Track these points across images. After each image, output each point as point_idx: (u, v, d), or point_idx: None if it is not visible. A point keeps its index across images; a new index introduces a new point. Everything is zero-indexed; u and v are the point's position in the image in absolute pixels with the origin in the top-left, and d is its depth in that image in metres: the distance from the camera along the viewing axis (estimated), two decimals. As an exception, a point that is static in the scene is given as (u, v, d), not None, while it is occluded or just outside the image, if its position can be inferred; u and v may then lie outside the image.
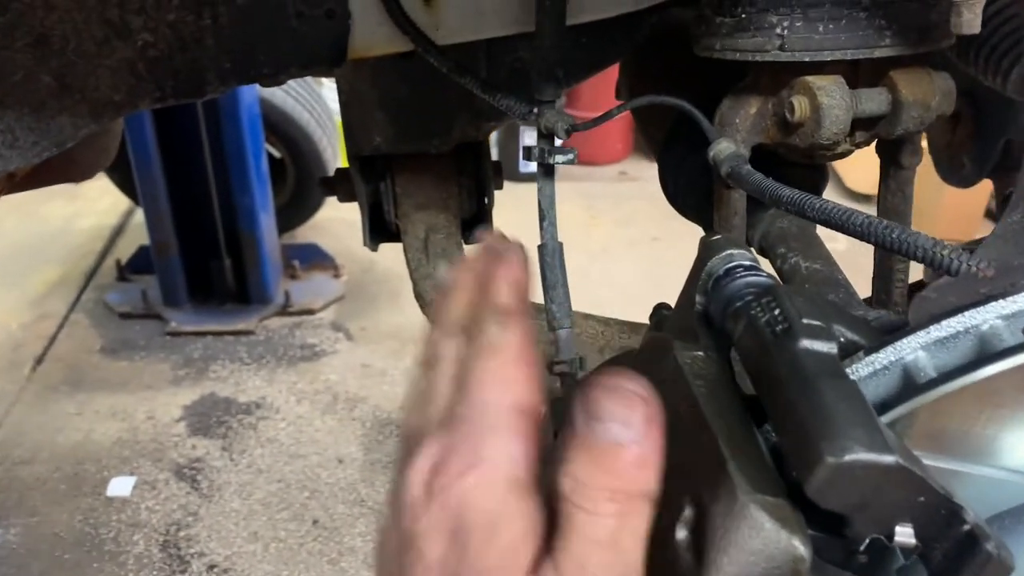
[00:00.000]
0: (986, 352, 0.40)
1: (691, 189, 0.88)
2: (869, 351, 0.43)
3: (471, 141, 0.98)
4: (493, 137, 4.88)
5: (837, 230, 0.54)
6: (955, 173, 1.13)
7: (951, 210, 4.03)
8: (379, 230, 1.07)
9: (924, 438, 0.42)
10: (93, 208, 4.76)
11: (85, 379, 3.46)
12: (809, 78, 0.65)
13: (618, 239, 4.36)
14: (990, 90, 0.85)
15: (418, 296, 1.03)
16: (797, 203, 0.55)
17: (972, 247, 0.91)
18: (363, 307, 3.90)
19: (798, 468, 0.37)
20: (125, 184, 3.90)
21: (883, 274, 0.78)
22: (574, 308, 0.89)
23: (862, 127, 0.68)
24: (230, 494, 2.88)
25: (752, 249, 0.51)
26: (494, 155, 4.81)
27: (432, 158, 0.99)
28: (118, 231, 4.66)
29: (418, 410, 0.44)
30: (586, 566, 0.37)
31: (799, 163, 0.80)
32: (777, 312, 0.43)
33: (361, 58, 0.84)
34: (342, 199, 1.08)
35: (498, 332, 0.42)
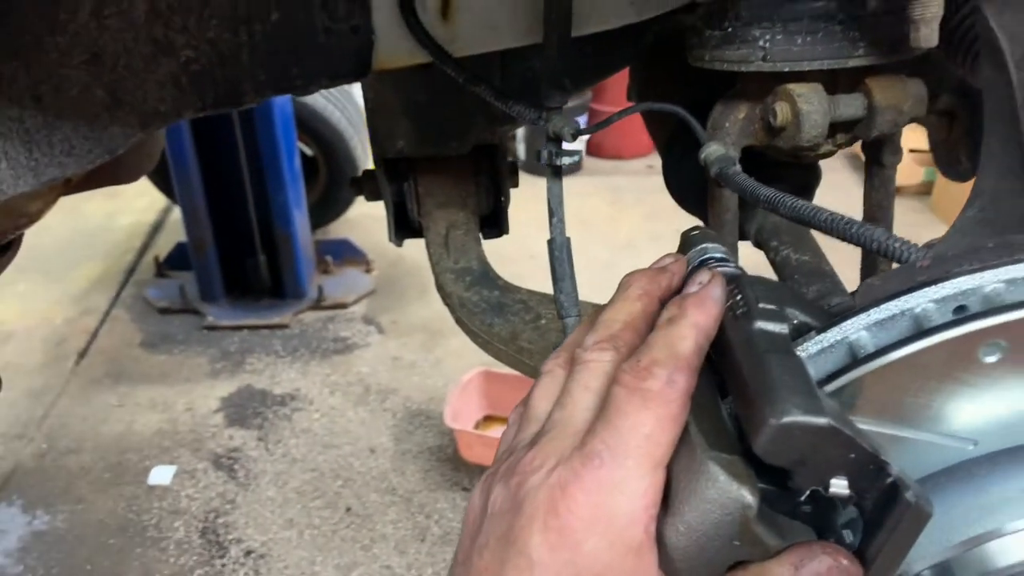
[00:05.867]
0: (918, 331, 0.46)
1: (691, 187, 0.94)
2: (819, 331, 0.49)
3: (487, 144, 1.05)
4: (520, 133, 4.91)
5: (805, 225, 0.60)
6: (953, 168, 1.18)
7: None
8: (403, 227, 1.15)
9: (870, 406, 0.48)
10: (132, 206, 4.89)
11: (126, 372, 3.58)
12: (790, 85, 0.71)
13: (643, 232, 4.41)
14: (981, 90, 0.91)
15: (440, 288, 1.10)
16: (772, 201, 0.61)
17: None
18: (393, 301, 3.99)
19: (748, 430, 0.44)
20: (163, 183, 4.02)
21: (867, 266, 0.84)
22: (601, 299, 0.95)
23: (841, 130, 0.73)
24: (266, 483, 2.98)
25: (723, 241, 0.57)
26: (522, 150, 4.86)
27: (451, 160, 1.06)
28: (156, 228, 4.80)
29: (545, 405, 0.50)
30: None
31: (792, 163, 0.86)
32: (739, 298, 0.49)
33: (384, 69, 0.91)
34: (369, 198, 1.15)
35: (664, 383, 0.45)
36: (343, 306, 3.95)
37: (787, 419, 0.42)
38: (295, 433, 3.21)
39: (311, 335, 3.80)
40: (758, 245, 0.89)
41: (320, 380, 3.51)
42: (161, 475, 3.03)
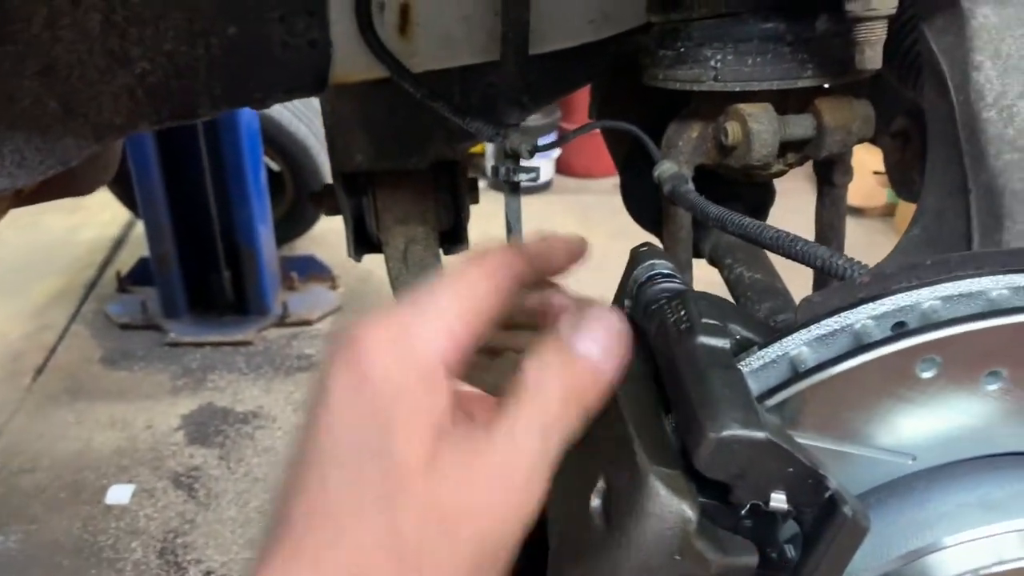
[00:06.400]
0: (857, 346, 0.47)
1: (648, 205, 0.95)
2: (761, 347, 0.49)
3: (447, 159, 1.06)
4: (489, 151, 4.91)
5: (751, 242, 0.61)
6: (907, 188, 1.20)
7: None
8: (363, 242, 1.14)
9: (813, 422, 0.48)
10: (94, 220, 4.82)
11: (85, 389, 3.51)
12: (741, 105, 0.72)
13: (612, 251, 4.38)
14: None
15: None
16: (720, 219, 0.62)
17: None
18: (359, 318, 3.95)
19: (688, 444, 0.44)
20: (126, 196, 3.97)
21: (820, 281, 0.85)
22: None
23: (792, 149, 0.75)
24: (227, 502, 2.93)
25: (670, 258, 0.58)
26: (489, 163, 4.85)
27: (410, 175, 1.06)
28: (119, 243, 4.72)
29: None
30: (514, 431, 0.43)
31: (746, 183, 0.87)
32: (683, 313, 0.50)
33: (342, 84, 0.91)
34: (328, 213, 1.15)
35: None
36: (308, 323, 3.91)
37: (726, 432, 0.42)
38: (257, 452, 3.17)
39: (275, 352, 3.76)
40: (712, 263, 0.90)
41: (284, 398, 3.46)
42: (119, 494, 2.96)
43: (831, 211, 0.82)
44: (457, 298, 0.45)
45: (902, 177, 1.21)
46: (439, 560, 0.41)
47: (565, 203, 5.02)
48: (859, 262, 0.54)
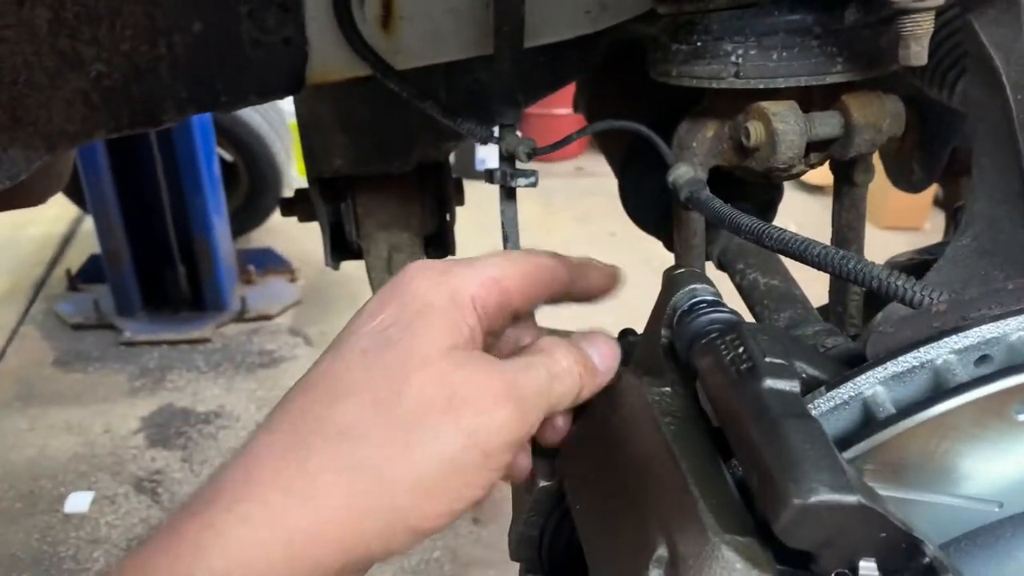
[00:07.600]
0: (941, 387, 0.42)
1: (651, 207, 0.89)
2: (830, 387, 0.44)
3: (431, 161, 0.99)
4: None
5: (794, 259, 0.55)
6: (905, 179, 1.16)
7: (899, 199, 4.10)
8: (340, 249, 1.07)
9: (884, 469, 0.43)
10: (41, 216, 4.66)
11: (37, 393, 3.39)
12: (764, 104, 0.66)
13: (576, 234, 4.38)
14: (936, 100, 0.88)
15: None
16: (756, 232, 0.57)
17: (924, 256, 0.94)
18: (321, 311, 3.87)
19: (766, 509, 0.39)
20: (74, 191, 3.82)
21: (839, 286, 0.80)
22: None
23: (816, 149, 0.69)
24: (192, 506, 2.84)
25: (713, 282, 0.52)
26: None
27: (393, 178, 1.00)
28: (67, 239, 4.58)
29: None
30: (519, 366, 0.48)
31: (760, 182, 0.82)
32: (741, 350, 0.44)
33: (320, 83, 0.84)
34: (301, 220, 1.08)
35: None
36: (267, 317, 3.82)
37: (814, 499, 0.37)
38: (221, 453, 3.08)
39: (235, 349, 3.66)
40: (721, 267, 0.85)
41: (246, 396, 3.38)
42: (78, 502, 2.87)
43: (851, 212, 0.77)
44: (499, 264, 0.51)
45: (899, 167, 1.17)
46: (432, 438, 0.44)
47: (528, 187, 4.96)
48: (920, 282, 0.49)
